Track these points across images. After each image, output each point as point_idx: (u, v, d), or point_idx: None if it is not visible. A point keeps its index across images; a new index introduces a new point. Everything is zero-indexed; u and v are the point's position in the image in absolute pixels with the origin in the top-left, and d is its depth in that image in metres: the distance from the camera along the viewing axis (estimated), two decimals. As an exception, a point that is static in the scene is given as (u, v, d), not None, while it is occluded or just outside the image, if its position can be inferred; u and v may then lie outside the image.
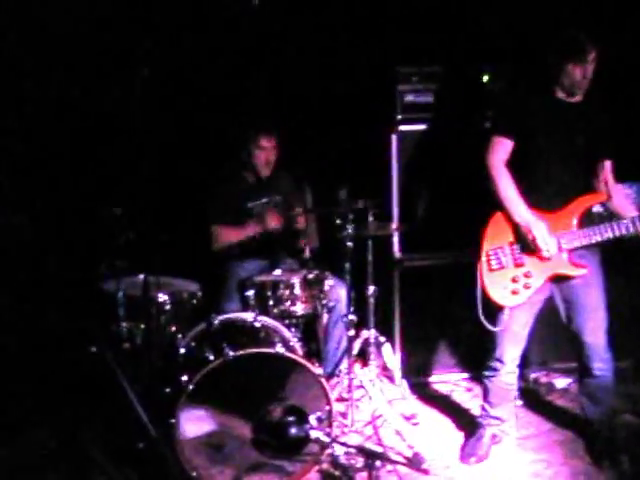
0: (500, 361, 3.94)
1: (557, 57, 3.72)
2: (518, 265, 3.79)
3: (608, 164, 3.86)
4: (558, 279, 3.83)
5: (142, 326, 4.04)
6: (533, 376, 4.90)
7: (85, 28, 4.78)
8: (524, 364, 4.38)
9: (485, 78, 4.81)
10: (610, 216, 3.82)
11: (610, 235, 3.70)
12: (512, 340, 3.90)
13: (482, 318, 3.80)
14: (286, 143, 4.83)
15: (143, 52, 4.04)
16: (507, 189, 3.77)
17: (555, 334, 4.70)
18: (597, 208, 3.94)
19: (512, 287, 3.78)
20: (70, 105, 4.87)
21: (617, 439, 4.06)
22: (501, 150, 3.81)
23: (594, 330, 3.86)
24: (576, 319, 3.87)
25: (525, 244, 3.76)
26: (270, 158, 4.73)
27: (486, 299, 3.81)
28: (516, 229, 3.77)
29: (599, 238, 3.71)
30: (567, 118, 3.76)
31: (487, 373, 4.03)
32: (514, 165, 3.82)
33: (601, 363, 3.89)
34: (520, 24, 4.92)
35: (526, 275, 3.78)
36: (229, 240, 4.67)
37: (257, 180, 4.79)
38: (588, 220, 3.77)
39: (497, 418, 4.06)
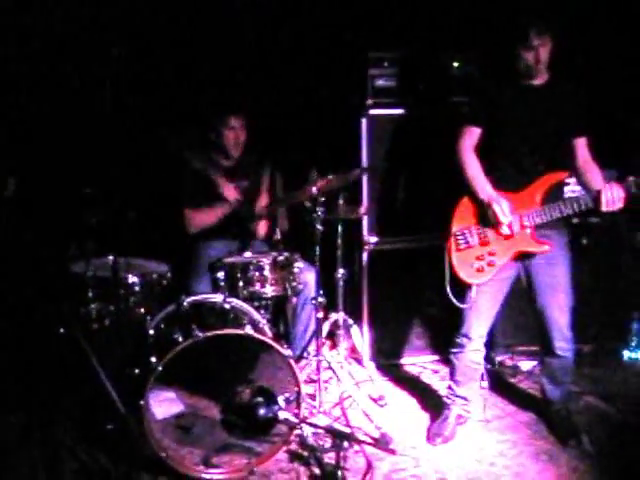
0: (467, 337, 4.01)
1: (508, 44, 3.80)
2: (483, 244, 3.88)
3: (581, 141, 3.92)
4: (523, 257, 3.91)
5: (111, 307, 4.02)
6: (499, 359, 4.97)
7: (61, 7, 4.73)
8: (490, 347, 4.45)
9: (455, 64, 4.84)
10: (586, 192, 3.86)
11: (570, 210, 3.78)
12: (479, 316, 3.97)
13: (450, 295, 3.87)
14: (256, 127, 4.83)
15: (116, 31, 4.01)
16: (473, 171, 3.87)
17: (520, 317, 4.79)
18: (571, 187, 4.01)
19: (477, 265, 3.88)
20: (42, 84, 4.81)
21: (578, 420, 4.15)
22: (470, 137, 3.92)
23: (557, 308, 3.94)
24: (540, 297, 3.95)
25: (489, 223, 3.84)
26: (239, 138, 4.73)
27: (454, 278, 3.89)
28: (481, 209, 3.86)
29: (559, 214, 3.80)
30: (533, 101, 3.83)
31: (454, 350, 4.10)
32: (483, 150, 3.91)
33: (563, 342, 3.98)
34: (490, 10, 4.95)
35: (490, 253, 3.87)
36: (203, 223, 4.68)
37: (229, 164, 4.79)
38: (552, 197, 3.83)
39: (463, 398, 4.13)
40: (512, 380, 4.81)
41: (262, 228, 4.86)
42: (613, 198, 3.69)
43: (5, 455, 3.83)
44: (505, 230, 3.81)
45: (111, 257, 3.93)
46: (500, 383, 4.72)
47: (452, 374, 4.17)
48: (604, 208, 3.71)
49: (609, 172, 4.43)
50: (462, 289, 3.93)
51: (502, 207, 3.77)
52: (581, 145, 3.93)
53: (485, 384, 4.53)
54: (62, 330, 3.74)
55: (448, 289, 3.88)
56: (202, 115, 4.85)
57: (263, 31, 5.14)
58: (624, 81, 5.11)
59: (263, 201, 4.88)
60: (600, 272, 5.01)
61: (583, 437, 4.00)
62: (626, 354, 5.03)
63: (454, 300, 3.89)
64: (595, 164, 3.92)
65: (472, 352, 4.05)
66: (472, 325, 3.99)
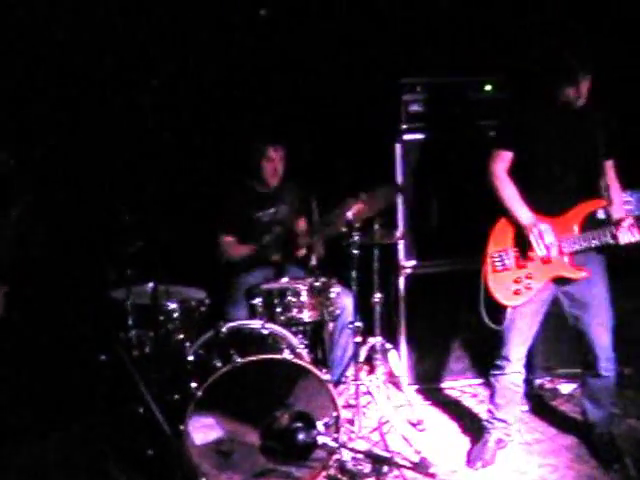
0: (506, 359, 3.99)
1: (551, 80, 3.80)
2: (520, 267, 3.87)
3: (609, 164, 3.93)
4: (561, 281, 3.89)
5: (151, 334, 4.08)
6: (538, 382, 4.92)
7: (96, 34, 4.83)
8: (529, 370, 4.41)
9: (488, 87, 4.86)
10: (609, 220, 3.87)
11: (608, 239, 3.77)
12: (517, 338, 3.96)
13: (485, 317, 3.88)
14: (293, 154, 4.89)
15: (154, 59, 4.07)
16: (510, 194, 3.87)
17: (559, 340, 4.76)
18: (600, 213, 4.00)
19: (514, 288, 3.87)
20: (84, 113, 4.90)
21: (621, 443, 4.10)
22: (501, 161, 3.92)
23: (600, 328, 3.92)
24: (582, 317, 3.93)
25: (527, 246, 3.84)
26: (278, 168, 4.77)
27: (490, 300, 3.88)
28: (519, 232, 3.86)
29: (597, 242, 3.79)
30: (566, 124, 3.84)
31: (494, 372, 4.08)
32: (516, 174, 3.92)
33: (606, 363, 3.95)
34: (522, 37, 4.96)
35: (528, 277, 3.86)
36: (235, 254, 4.73)
37: (265, 190, 4.85)
38: (589, 225, 3.83)
39: (503, 421, 4.10)
40: (552, 403, 4.76)
41: (301, 250, 4.88)
42: (630, 239, 3.73)
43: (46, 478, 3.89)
44: (544, 252, 3.79)
45: (151, 284, 3.99)
46: (540, 406, 4.68)
47: (492, 397, 4.14)
48: (623, 242, 3.74)
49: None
50: (498, 311, 3.91)
51: (543, 230, 3.76)
52: (609, 166, 3.93)
53: (525, 407, 4.52)
54: (103, 357, 3.79)
55: (482, 311, 3.87)
56: (240, 145, 4.91)
57: (301, 59, 5.20)
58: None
59: (302, 223, 4.91)
60: (636, 292, 4.94)
61: (627, 461, 3.95)
62: (668, 376, 4.95)
63: (488, 322, 3.89)
64: (619, 187, 3.93)
65: (512, 374, 4.02)
66: (511, 347, 3.97)
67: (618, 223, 3.77)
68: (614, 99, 3.93)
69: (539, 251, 3.80)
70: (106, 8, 4.76)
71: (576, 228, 3.82)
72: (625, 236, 3.74)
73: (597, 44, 3.78)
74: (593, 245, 3.80)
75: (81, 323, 4.54)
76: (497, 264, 3.90)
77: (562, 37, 3.98)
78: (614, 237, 3.76)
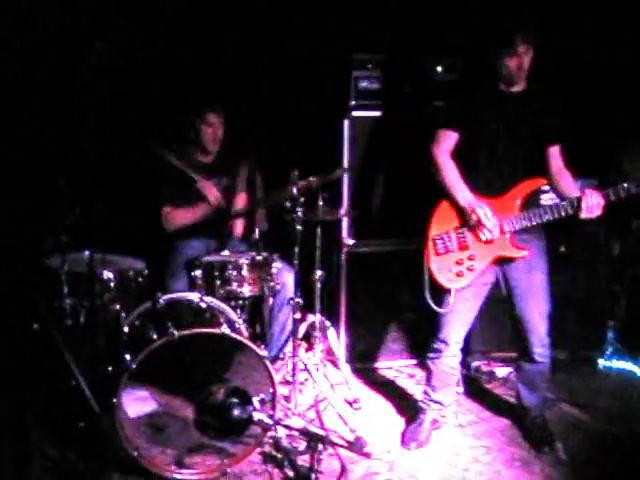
0: (444, 342, 4.00)
1: (492, 51, 3.80)
2: (462, 248, 3.88)
3: (554, 149, 3.95)
4: (502, 262, 3.91)
5: (86, 303, 3.98)
6: (474, 365, 4.96)
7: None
8: (466, 353, 4.45)
9: (439, 69, 4.84)
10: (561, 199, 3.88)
11: (550, 217, 3.79)
12: (457, 322, 3.97)
13: (429, 300, 3.87)
14: (238, 125, 4.80)
15: (97, 24, 3.96)
16: (451, 175, 3.87)
17: (497, 324, 4.80)
18: (547, 194, 4.03)
19: (457, 269, 3.87)
20: (20, 77, 4.74)
21: (554, 427, 4.16)
22: (445, 141, 3.91)
23: (536, 314, 3.96)
24: (519, 303, 3.96)
25: (469, 228, 3.85)
26: (218, 134, 4.72)
27: (433, 283, 3.88)
28: (460, 214, 3.87)
29: (539, 220, 3.81)
30: (510, 108, 3.85)
31: (431, 355, 4.09)
32: (459, 155, 3.92)
33: (541, 348, 3.99)
34: (475, 15, 4.95)
35: (470, 258, 3.87)
36: (182, 222, 4.64)
37: (207, 161, 4.77)
38: (531, 204, 3.85)
39: (438, 402, 4.12)
40: (487, 386, 4.81)
41: (239, 227, 4.83)
42: (593, 205, 3.70)
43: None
44: (487, 235, 3.80)
45: (87, 252, 3.88)
46: (475, 389, 4.72)
47: (428, 379, 4.16)
48: (584, 215, 3.72)
49: (589, 181, 4.46)
50: (440, 294, 3.92)
51: (485, 211, 3.77)
52: (554, 153, 3.95)
53: (460, 389, 4.56)
54: (36, 325, 3.68)
55: (427, 294, 3.87)
56: (180, 110, 4.80)
57: (247, 29, 5.10)
58: (601, 90, 5.13)
59: (241, 199, 4.84)
60: (577, 280, 5.02)
61: (557, 444, 4.01)
62: (601, 362, 5.05)
63: (432, 305, 3.89)
64: (568, 172, 3.94)
65: (449, 358, 4.04)
66: (450, 330, 3.98)
67: (579, 199, 3.74)
68: (568, 90, 3.97)
69: (481, 234, 3.81)
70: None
71: (518, 207, 3.83)
72: (588, 211, 3.71)
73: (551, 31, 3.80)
74: (534, 223, 3.81)
75: (15, 290, 4.40)
76: (439, 246, 3.90)
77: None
78: (576, 208, 3.73)
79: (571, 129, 3.96)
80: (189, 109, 4.74)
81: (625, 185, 3.70)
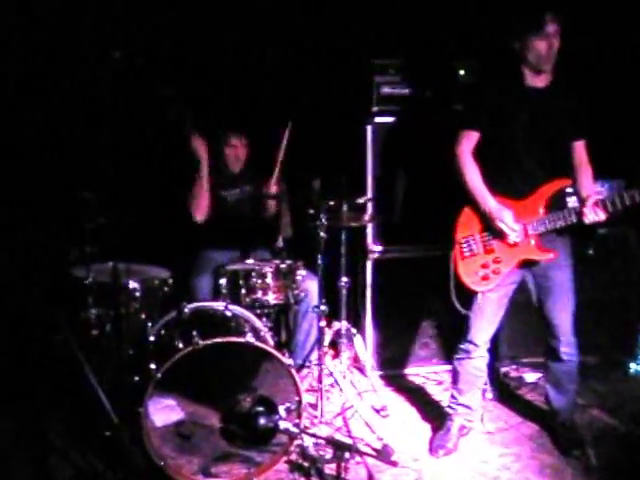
0: (472, 343, 3.97)
1: (520, 35, 3.75)
2: (488, 252, 3.86)
3: (580, 144, 3.90)
4: (528, 264, 3.88)
5: (112, 313, 4.00)
6: (503, 370, 4.92)
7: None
8: (494, 358, 4.40)
9: (461, 72, 4.81)
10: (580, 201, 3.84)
11: (574, 219, 3.75)
12: (484, 322, 3.94)
13: (456, 303, 3.86)
14: (262, 134, 4.80)
15: (118, 35, 3.98)
16: (473, 179, 3.84)
17: (526, 329, 4.75)
18: (572, 195, 3.99)
19: (482, 273, 3.86)
20: (41, 88, 4.79)
21: (584, 434, 4.10)
22: (467, 142, 3.87)
23: (563, 313, 3.92)
24: (545, 301, 3.94)
25: (494, 231, 3.82)
26: (240, 155, 4.77)
27: (459, 286, 3.87)
28: (485, 218, 3.83)
29: (562, 223, 3.77)
30: (533, 105, 3.79)
31: (458, 356, 4.06)
32: (482, 155, 3.88)
33: (568, 347, 3.95)
34: (499, 19, 4.91)
35: (495, 261, 3.84)
36: (198, 202, 4.65)
37: (233, 170, 4.81)
38: (555, 206, 3.80)
39: (466, 406, 4.08)
40: (517, 392, 4.76)
41: (267, 234, 4.81)
42: (594, 218, 3.70)
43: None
44: (512, 239, 3.78)
45: (111, 262, 3.90)
46: (504, 395, 4.67)
47: (455, 382, 4.12)
48: (586, 221, 3.72)
49: (617, 182, 4.40)
50: (467, 296, 3.90)
51: (507, 221, 3.74)
52: (579, 148, 3.90)
53: (490, 395, 4.51)
54: (59, 336, 3.70)
55: (454, 297, 3.85)
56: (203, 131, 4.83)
57: (268, 40, 5.11)
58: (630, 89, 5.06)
59: (273, 187, 4.82)
60: (606, 283, 4.95)
61: (588, 450, 3.95)
62: (632, 367, 4.97)
63: (460, 308, 3.88)
64: (589, 168, 3.89)
65: (476, 359, 4.01)
66: (478, 331, 3.96)
67: (583, 202, 3.74)
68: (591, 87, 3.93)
69: (509, 238, 3.77)
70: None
71: (541, 210, 3.80)
72: (590, 215, 3.70)
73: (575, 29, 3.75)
74: (558, 226, 3.78)
75: (41, 301, 4.44)
76: (465, 250, 3.88)
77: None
78: (578, 216, 3.73)
79: (597, 128, 3.91)
80: (211, 130, 4.75)
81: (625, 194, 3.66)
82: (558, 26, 3.70)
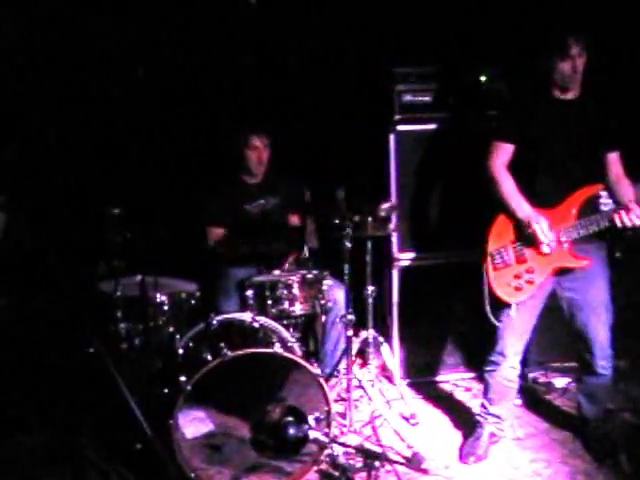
0: (502, 354, 3.95)
1: (545, 55, 3.78)
2: (520, 262, 3.83)
3: (614, 156, 3.89)
4: (561, 274, 3.85)
5: (140, 327, 4.03)
6: (532, 375, 4.89)
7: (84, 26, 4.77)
8: (523, 364, 4.37)
9: (483, 78, 4.81)
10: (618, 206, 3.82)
11: (607, 223, 3.74)
12: (515, 334, 3.92)
13: (490, 316, 3.84)
14: (285, 144, 4.83)
15: (140, 52, 4.02)
16: (508, 188, 3.83)
17: (554, 334, 4.72)
18: (604, 199, 3.97)
19: (516, 283, 3.83)
20: (69, 104, 4.85)
21: (615, 438, 4.07)
22: (502, 154, 3.88)
23: (599, 326, 3.88)
24: (580, 315, 3.90)
25: (526, 241, 3.80)
26: (262, 157, 4.73)
27: (491, 297, 3.84)
28: (517, 227, 3.83)
29: (596, 228, 3.76)
30: (565, 116, 3.80)
31: (488, 368, 4.04)
32: (515, 167, 3.88)
33: (604, 361, 3.91)
34: (517, 24, 4.91)
35: (528, 271, 3.82)
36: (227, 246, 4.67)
37: (253, 182, 4.80)
38: (587, 211, 3.79)
39: (496, 416, 4.07)
40: (546, 397, 4.73)
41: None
42: (627, 221, 3.67)
43: (33, 475, 3.83)
44: (546, 249, 3.76)
45: (139, 276, 3.94)
46: (533, 400, 4.65)
47: (485, 392, 4.10)
48: (619, 225, 3.70)
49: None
50: (499, 307, 3.87)
51: (542, 226, 3.73)
52: (614, 160, 3.89)
53: (519, 402, 4.49)
54: (91, 349, 3.74)
55: (487, 309, 3.83)
56: (225, 135, 4.85)
57: (290, 47, 5.14)
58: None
59: (294, 219, 4.86)
60: (634, 286, 4.91)
61: (620, 456, 3.91)
62: (663, 370, 4.93)
63: (493, 319, 3.85)
64: (627, 179, 3.88)
65: (507, 370, 3.99)
66: (508, 343, 3.93)
67: (619, 208, 3.72)
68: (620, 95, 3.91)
69: (542, 246, 3.75)
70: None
71: (574, 214, 3.79)
72: (624, 219, 3.68)
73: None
74: (591, 231, 3.76)
75: (70, 316, 4.48)
76: (497, 261, 3.85)
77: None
78: (611, 220, 3.71)
79: (629, 134, 3.90)
80: (235, 133, 4.77)
81: None
82: (582, 46, 3.71)
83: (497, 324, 3.89)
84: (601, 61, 3.82)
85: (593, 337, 3.89)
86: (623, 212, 3.68)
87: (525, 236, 3.80)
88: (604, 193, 4.05)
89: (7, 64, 4.64)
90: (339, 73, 5.16)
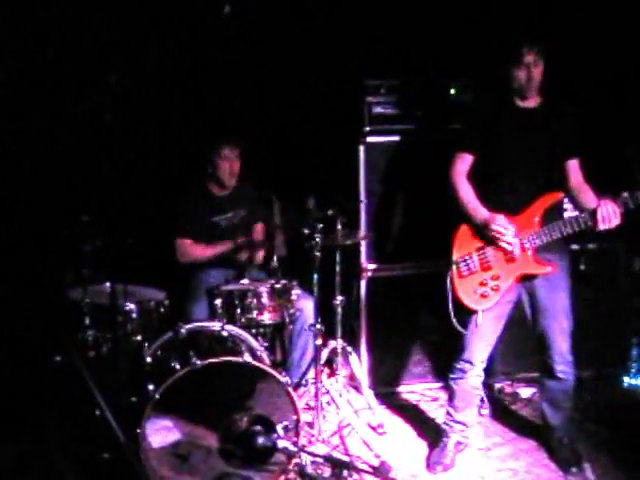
0: (469, 362, 3.98)
1: (502, 63, 3.85)
2: (485, 269, 3.88)
3: (574, 163, 3.94)
4: (525, 280, 3.90)
5: (108, 335, 4.00)
6: (498, 386, 4.94)
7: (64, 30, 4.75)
8: (489, 374, 4.42)
9: (452, 91, 4.86)
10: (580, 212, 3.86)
11: (570, 230, 3.78)
12: (482, 342, 3.95)
13: (456, 323, 3.87)
14: (254, 153, 4.83)
15: (114, 58, 4.00)
16: (467, 195, 3.89)
17: (519, 345, 4.78)
18: (566, 206, 4.02)
19: (481, 290, 3.87)
20: (40, 109, 4.81)
21: (580, 448, 4.12)
22: (462, 163, 3.94)
23: (559, 332, 3.93)
24: (542, 321, 3.95)
25: (490, 247, 3.85)
26: (234, 168, 4.72)
27: (457, 305, 3.88)
28: (480, 235, 3.87)
29: (559, 234, 3.80)
30: (526, 124, 3.87)
31: (454, 375, 4.07)
32: (476, 175, 3.94)
33: (564, 366, 3.96)
34: (487, 37, 4.97)
35: (494, 278, 3.86)
36: (196, 256, 4.67)
37: (223, 194, 4.79)
38: (550, 218, 3.84)
39: (461, 423, 4.10)
40: (512, 407, 4.78)
41: (259, 255, 4.83)
42: (609, 214, 3.69)
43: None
44: (509, 247, 3.78)
45: (108, 284, 3.91)
46: (500, 410, 4.69)
47: (451, 399, 4.14)
48: (601, 226, 3.71)
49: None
50: (464, 315, 3.91)
51: (501, 223, 3.77)
52: (574, 167, 3.95)
53: (486, 411, 4.52)
54: (58, 358, 3.71)
55: (453, 318, 3.87)
56: (196, 144, 4.84)
57: (259, 58, 5.15)
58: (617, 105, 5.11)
59: (260, 230, 4.87)
60: (599, 298, 4.99)
61: (585, 465, 3.97)
62: (626, 380, 5.00)
63: (459, 327, 3.89)
64: (588, 185, 3.93)
65: (473, 377, 4.02)
66: (474, 350, 3.97)
67: (594, 211, 3.74)
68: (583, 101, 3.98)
69: (503, 245, 3.79)
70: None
71: (537, 221, 3.83)
72: (604, 221, 3.70)
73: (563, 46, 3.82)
74: (554, 238, 3.80)
75: (36, 323, 4.44)
76: (462, 269, 3.89)
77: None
78: (593, 223, 3.73)
79: (588, 142, 3.97)
80: (205, 143, 4.76)
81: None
82: (537, 54, 3.78)
83: (463, 332, 3.92)
84: (562, 68, 3.89)
85: (553, 342, 3.94)
86: (602, 208, 3.69)
87: (487, 240, 3.85)
88: (566, 200, 4.12)
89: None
90: (310, 83, 5.17)
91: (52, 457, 3.95)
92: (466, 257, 3.90)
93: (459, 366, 4.03)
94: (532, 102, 3.89)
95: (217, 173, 4.72)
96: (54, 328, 4.12)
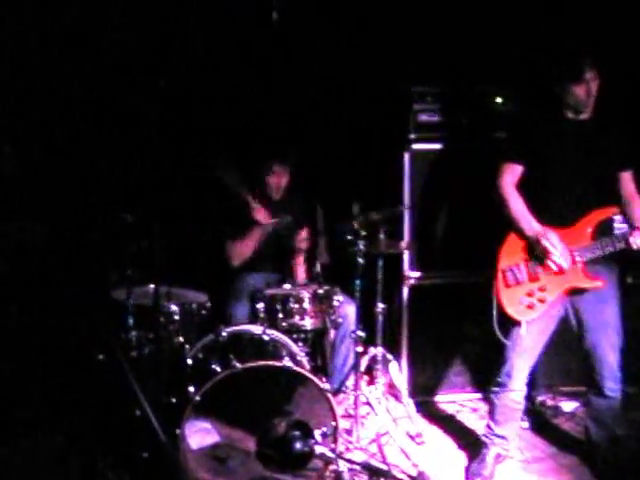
0: (509, 376, 3.94)
1: (558, 79, 3.81)
2: (533, 280, 3.83)
3: (626, 175, 3.90)
4: (572, 294, 3.85)
5: (151, 336, 4.04)
6: (540, 399, 4.87)
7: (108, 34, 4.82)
8: (531, 387, 4.36)
9: (498, 99, 4.83)
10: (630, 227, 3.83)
11: (622, 245, 3.74)
12: (524, 355, 3.91)
13: (498, 333, 3.84)
14: (300, 161, 4.85)
15: (162, 63, 4.05)
16: (517, 207, 3.85)
17: (563, 357, 4.72)
18: (618, 222, 3.97)
19: (527, 301, 3.83)
20: (86, 112, 4.88)
21: (624, 465, 4.04)
22: (510, 174, 3.91)
23: (608, 347, 3.87)
24: (590, 336, 3.89)
25: (539, 258, 3.80)
26: (281, 183, 4.76)
27: (501, 315, 3.84)
28: (529, 246, 3.83)
29: (611, 249, 3.76)
30: (577, 137, 3.83)
31: (495, 389, 4.03)
32: (526, 187, 3.90)
33: (612, 383, 3.91)
34: (532, 46, 4.93)
35: (541, 289, 3.82)
36: (243, 253, 4.69)
37: (269, 201, 4.81)
38: (602, 233, 3.80)
39: (502, 437, 4.05)
40: (553, 421, 4.71)
41: (301, 269, 4.80)
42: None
43: (39, 477, 3.84)
44: (557, 262, 3.74)
45: (152, 286, 3.95)
46: (541, 424, 4.63)
47: (491, 413, 4.09)
48: (634, 247, 3.70)
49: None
50: (508, 326, 3.88)
51: (552, 241, 3.73)
52: (626, 179, 3.90)
53: (525, 424, 4.47)
54: (101, 357, 3.76)
55: (496, 327, 3.83)
56: (246, 161, 4.87)
57: (307, 67, 5.17)
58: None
59: (304, 236, 4.87)
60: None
61: (627, 482, 3.90)
62: (673, 397, 4.90)
63: (501, 337, 3.85)
64: (639, 199, 3.88)
65: (514, 392, 3.97)
66: (516, 364, 3.92)
67: (634, 229, 3.72)
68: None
69: (550, 264, 3.75)
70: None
71: (589, 235, 3.80)
72: (638, 241, 3.68)
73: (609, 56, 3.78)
74: (606, 252, 3.76)
75: (81, 323, 4.50)
76: (509, 278, 3.86)
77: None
78: (627, 242, 3.72)
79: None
80: (255, 159, 4.79)
81: None
82: (595, 70, 3.75)
83: (506, 343, 3.88)
84: (612, 81, 3.84)
85: (602, 358, 3.89)
86: (638, 233, 3.68)
87: (536, 255, 3.80)
88: (618, 217, 4.05)
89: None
90: (357, 90, 5.17)
91: (93, 455, 4.00)
92: (514, 266, 3.86)
93: (500, 380, 3.99)
94: (584, 115, 3.85)
95: (265, 187, 4.76)
96: (98, 328, 4.17)
